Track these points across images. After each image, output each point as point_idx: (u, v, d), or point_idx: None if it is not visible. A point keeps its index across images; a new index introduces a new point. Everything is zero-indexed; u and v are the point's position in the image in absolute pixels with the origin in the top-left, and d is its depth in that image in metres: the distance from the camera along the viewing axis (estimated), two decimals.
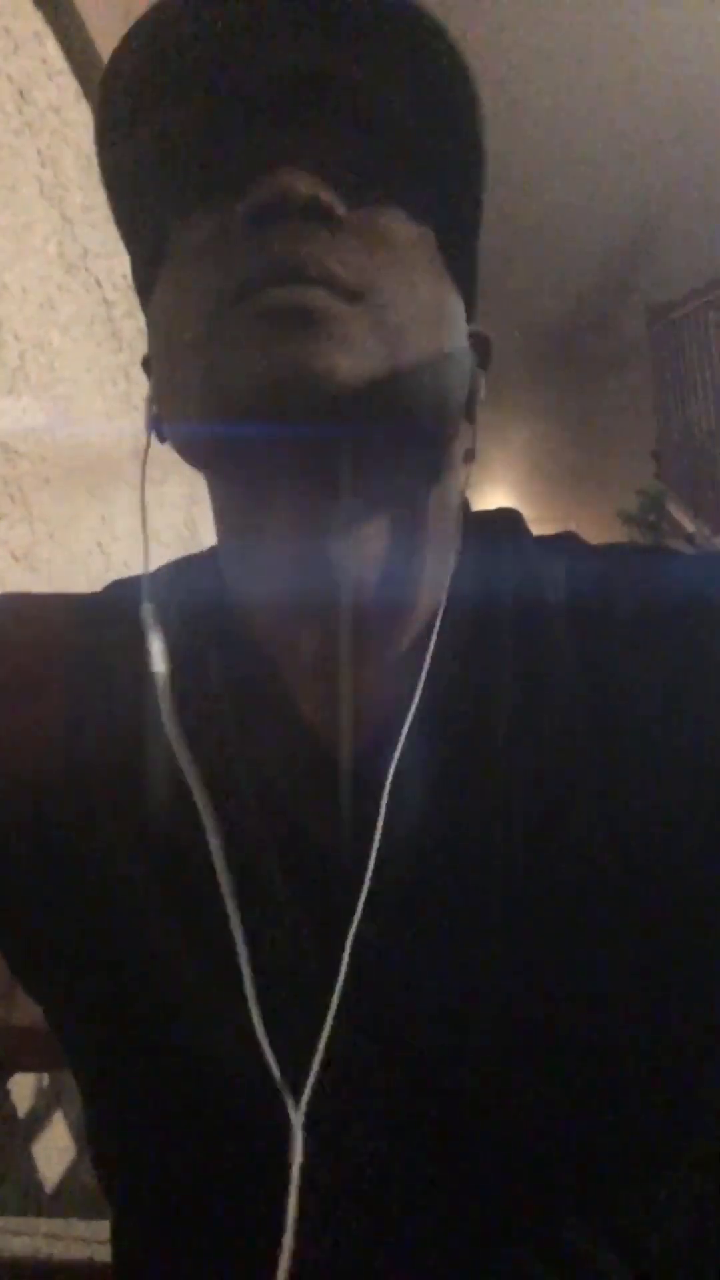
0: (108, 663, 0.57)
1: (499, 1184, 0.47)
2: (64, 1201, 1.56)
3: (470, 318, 0.57)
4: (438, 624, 0.53)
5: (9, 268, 1.48)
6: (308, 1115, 0.46)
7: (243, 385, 0.45)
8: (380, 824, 0.48)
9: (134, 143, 0.50)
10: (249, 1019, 0.47)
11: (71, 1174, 1.60)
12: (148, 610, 0.54)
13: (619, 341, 4.74)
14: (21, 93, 1.56)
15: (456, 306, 0.53)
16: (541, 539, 0.60)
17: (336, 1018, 0.46)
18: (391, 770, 0.49)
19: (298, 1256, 0.44)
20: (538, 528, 0.62)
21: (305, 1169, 0.45)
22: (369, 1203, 0.46)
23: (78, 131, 1.69)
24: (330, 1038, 0.46)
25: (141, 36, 0.47)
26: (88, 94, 1.71)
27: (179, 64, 0.47)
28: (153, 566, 0.58)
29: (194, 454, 0.52)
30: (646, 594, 0.53)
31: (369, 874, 0.47)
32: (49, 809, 0.53)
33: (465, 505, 0.60)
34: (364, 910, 0.47)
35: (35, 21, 1.59)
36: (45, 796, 0.54)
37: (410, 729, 0.50)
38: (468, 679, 0.51)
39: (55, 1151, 1.59)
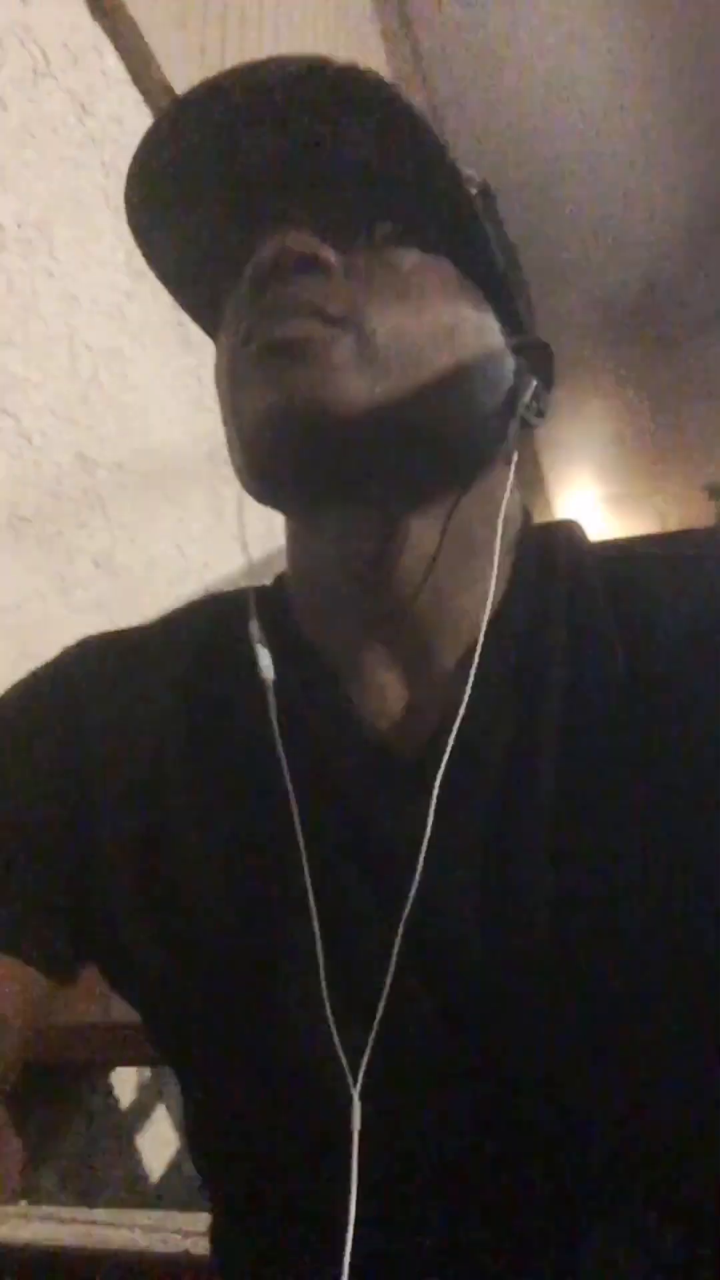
0: (207, 674, 0.61)
1: (554, 1150, 0.48)
2: (168, 1194, 1.60)
3: (518, 330, 0.59)
4: (482, 633, 0.55)
5: (77, 279, 1.51)
6: (368, 1083, 0.48)
7: (254, 420, 0.51)
8: (432, 813, 0.50)
9: (174, 243, 0.58)
10: (319, 990, 0.49)
11: (174, 1167, 1.63)
12: (254, 627, 0.59)
13: (697, 310, 4.62)
14: (83, 105, 1.58)
15: (478, 323, 0.56)
16: (601, 546, 0.62)
17: (394, 987, 0.49)
18: (442, 768, 0.51)
19: (361, 1224, 0.46)
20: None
21: (365, 1136, 0.47)
22: (428, 1169, 0.49)
23: (138, 139, 1.71)
24: (389, 1006, 0.49)
25: (154, 147, 0.53)
26: (149, 101, 1.73)
27: (193, 167, 0.54)
28: (234, 570, 0.64)
29: (253, 494, 0.56)
30: (694, 607, 0.54)
31: (423, 854, 0.50)
32: (151, 813, 0.57)
33: (526, 516, 0.63)
34: (420, 889, 0.49)
35: (94, 34, 1.61)
36: (150, 801, 0.58)
37: (460, 730, 0.52)
38: (518, 685, 0.54)
39: (159, 1144, 1.63)
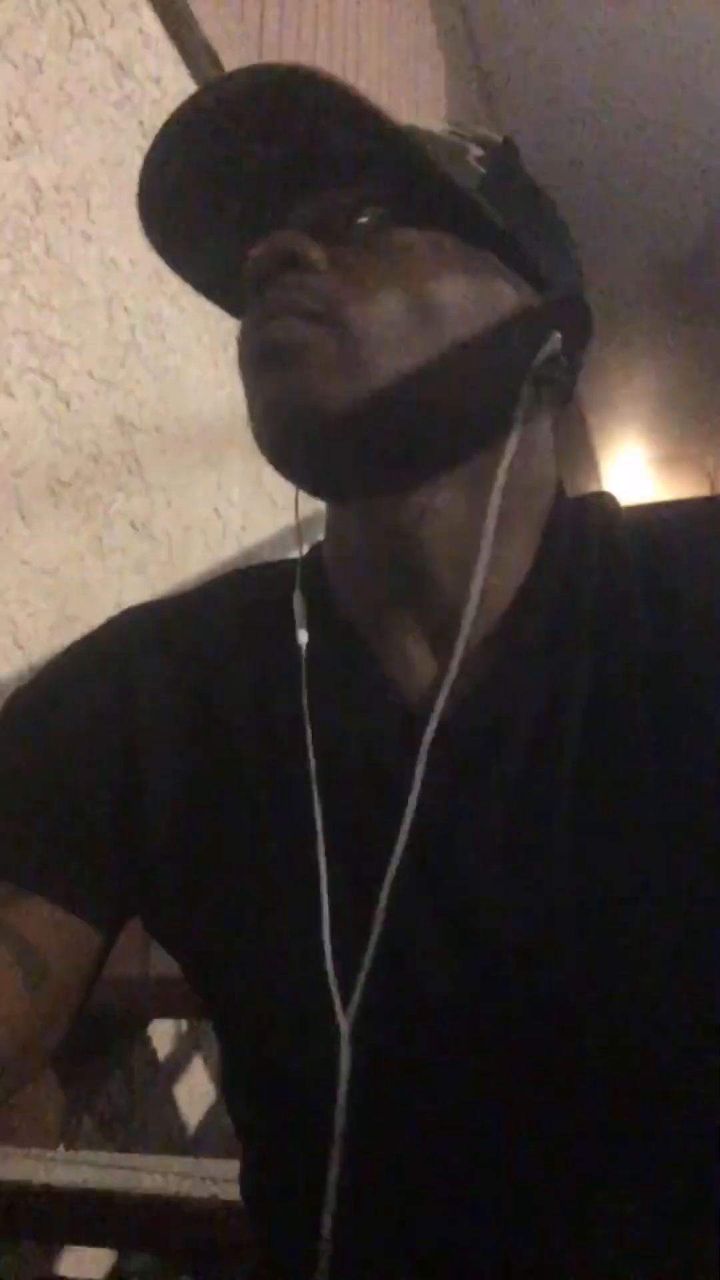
0: (247, 637, 0.63)
1: (563, 1099, 0.49)
2: (204, 1144, 1.64)
3: (543, 285, 0.59)
4: (507, 607, 0.56)
5: (116, 243, 1.51)
6: (367, 1025, 0.49)
7: (254, 422, 0.56)
8: (420, 764, 0.52)
9: (189, 263, 0.62)
10: (320, 934, 0.51)
11: (210, 1118, 1.67)
12: (298, 598, 0.61)
13: None
14: (121, 65, 1.58)
15: (479, 292, 0.56)
16: (634, 512, 0.62)
17: (406, 933, 0.50)
18: (469, 730, 0.53)
19: (362, 1165, 0.48)
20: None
21: (367, 1076, 0.49)
22: (421, 1111, 0.50)
23: (178, 100, 1.71)
24: (399, 954, 0.50)
25: (152, 173, 0.56)
26: (186, 60, 1.72)
27: (193, 187, 0.57)
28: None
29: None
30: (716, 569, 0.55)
31: (416, 783, 0.52)
32: (192, 766, 0.60)
33: (559, 485, 0.62)
34: (441, 844, 0.51)
35: None
36: (188, 759, 0.60)
37: (488, 700, 0.54)
38: (547, 655, 0.55)
39: (195, 1096, 1.67)
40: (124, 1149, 1.44)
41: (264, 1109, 0.58)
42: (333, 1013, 0.50)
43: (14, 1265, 1.10)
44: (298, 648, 0.59)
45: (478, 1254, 0.50)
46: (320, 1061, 0.49)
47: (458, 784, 0.52)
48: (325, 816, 0.54)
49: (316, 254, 0.54)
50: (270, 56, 1.57)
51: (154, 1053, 1.58)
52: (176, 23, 1.69)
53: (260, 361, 0.54)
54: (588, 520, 0.60)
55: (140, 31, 1.63)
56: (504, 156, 0.58)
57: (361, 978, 0.50)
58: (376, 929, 0.50)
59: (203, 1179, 0.90)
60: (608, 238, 4.37)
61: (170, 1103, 1.60)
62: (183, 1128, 1.61)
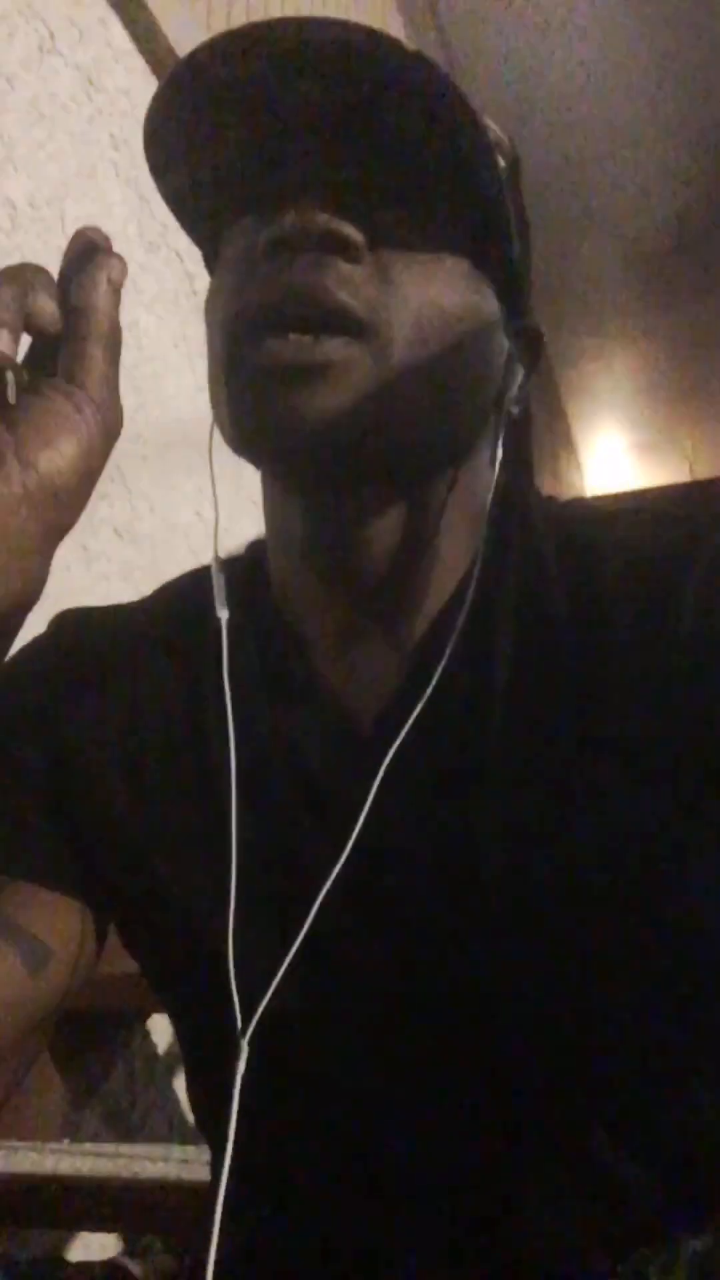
0: (170, 637, 0.65)
1: (496, 1072, 0.52)
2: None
3: (519, 313, 0.60)
4: (440, 608, 0.58)
5: None
6: (287, 1010, 0.51)
7: (250, 428, 0.53)
8: (386, 764, 0.53)
9: (186, 169, 0.56)
10: (225, 929, 0.53)
11: None
12: (216, 575, 0.62)
13: None
14: (90, 80, 1.60)
15: (485, 316, 0.56)
16: (556, 507, 0.64)
17: (336, 925, 0.52)
18: (400, 737, 0.54)
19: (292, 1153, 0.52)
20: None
21: (293, 1062, 0.52)
22: (354, 1092, 0.54)
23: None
24: (325, 942, 0.52)
25: (185, 78, 0.52)
26: (156, 73, 1.74)
27: (221, 102, 0.52)
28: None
29: (231, 447, 0.57)
30: (629, 554, 0.56)
31: (369, 803, 0.53)
32: (121, 765, 0.62)
33: (503, 489, 0.62)
34: (368, 833, 0.52)
35: (99, 8, 1.63)
36: (124, 748, 0.62)
37: (416, 697, 0.55)
38: (470, 649, 0.56)
39: None
40: (125, 1140, 1.48)
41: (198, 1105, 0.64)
42: (235, 1012, 0.51)
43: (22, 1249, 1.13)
44: (221, 628, 0.60)
45: (407, 1215, 0.53)
46: (226, 1063, 0.51)
47: (387, 779, 0.53)
48: (242, 808, 0.56)
49: (358, 240, 0.51)
50: None
51: (154, 1047, 1.62)
52: (144, 35, 1.71)
53: (277, 376, 0.51)
54: (511, 518, 0.61)
55: (109, 45, 1.65)
56: (515, 168, 0.58)
57: (282, 969, 0.51)
58: (307, 923, 0.52)
59: (203, 1164, 0.93)
60: (585, 224, 4.39)
61: (170, 1095, 1.63)
62: (182, 1118, 1.64)
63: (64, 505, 0.49)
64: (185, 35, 1.75)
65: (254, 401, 0.52)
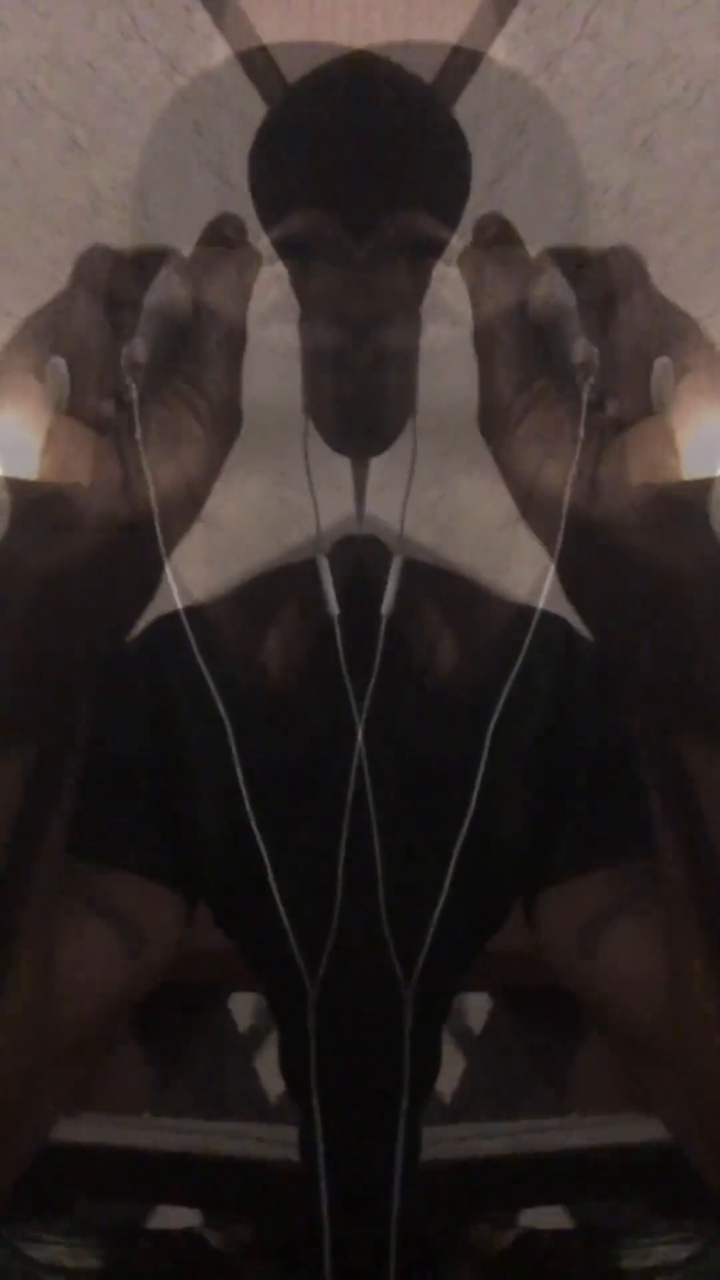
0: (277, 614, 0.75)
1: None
2: (286, 1112, 1.68)
3: None
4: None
5: (174, 240, 1.54)
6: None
7: (329, 429, 0.68)
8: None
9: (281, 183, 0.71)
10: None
11: None
12: (322, 563, 0.70)
13: None
14: (173, 65, 1.60)
15: None
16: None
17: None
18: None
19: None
20: None
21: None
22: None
23: (231, 95, 1.72)
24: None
25: (286, 114, 0.71)
26: (240, 59, 1.74)
27: (319, 132, 0.67)
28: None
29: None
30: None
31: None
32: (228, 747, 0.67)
33: None
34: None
35: None
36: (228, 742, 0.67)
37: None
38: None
39: (274, 1066, 1.71)
40: (207, 1117, 1.50)
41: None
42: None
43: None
44: (328, 619, 0.66)
45: None
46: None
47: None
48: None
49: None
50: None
51: (234, 1025, 1.64)
52: (229, 20, 1.70)
53: (346, 412, 0.67)
54: None
55: (191, 30, 1.65)
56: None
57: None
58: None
59: (281, 1143, 0.94)
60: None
61: (250, 1073, 1.65)
62: (263, 1095, 1.66)
63: (179, 517, 0.50)
64: (269, 20, 1.74)
65: (333, 419, 0.68)
